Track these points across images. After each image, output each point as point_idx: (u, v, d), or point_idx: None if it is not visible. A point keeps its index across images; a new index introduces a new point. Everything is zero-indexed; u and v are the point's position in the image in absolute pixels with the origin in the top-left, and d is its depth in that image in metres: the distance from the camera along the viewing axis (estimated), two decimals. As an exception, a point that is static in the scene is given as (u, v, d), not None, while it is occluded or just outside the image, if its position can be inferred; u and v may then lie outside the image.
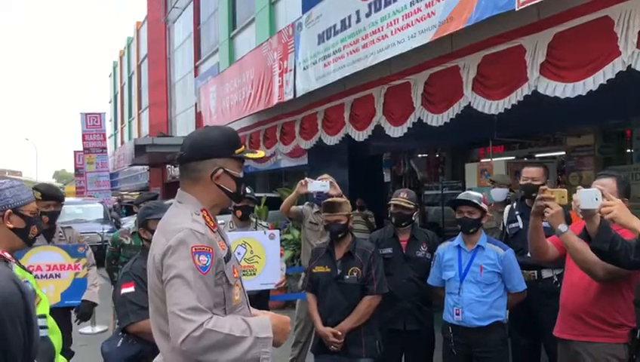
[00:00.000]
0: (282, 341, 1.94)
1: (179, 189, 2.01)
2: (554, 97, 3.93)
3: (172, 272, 1.75)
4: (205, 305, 1.74)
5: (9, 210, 2.24)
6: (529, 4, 3.71)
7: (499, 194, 5.33)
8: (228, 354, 1.73)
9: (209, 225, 1.90)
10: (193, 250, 1.76)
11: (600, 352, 2.78)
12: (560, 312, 3.03)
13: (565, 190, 2.91)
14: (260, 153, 2.17)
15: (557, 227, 2.77)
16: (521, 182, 4.19)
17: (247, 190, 4.50)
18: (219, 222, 2.09)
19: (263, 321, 1.85)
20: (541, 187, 2.93)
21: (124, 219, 16.64)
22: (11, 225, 2.25)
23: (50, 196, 4.00)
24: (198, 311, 1.70)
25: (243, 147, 2.01)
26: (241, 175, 1.99)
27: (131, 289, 2.86)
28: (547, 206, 2.78)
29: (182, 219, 1.85)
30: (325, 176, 4.31)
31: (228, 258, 1.92)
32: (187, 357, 1.75)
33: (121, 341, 2.86)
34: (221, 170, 1.93)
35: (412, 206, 3.90)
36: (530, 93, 4.05)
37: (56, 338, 2.13)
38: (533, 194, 3.36)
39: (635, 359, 2.76)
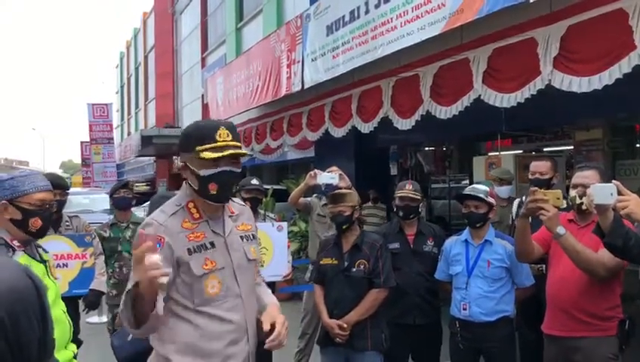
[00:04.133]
0: (150, 285, 1.66)
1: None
2: (563, 91, 3.89)
3: None
4: None
5: (4, 201, 2.25)
6: (541, -4, 3.67)
7: (503, 191, 5.28)
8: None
9: (192, 216, 1.97)
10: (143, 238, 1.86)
11: (592, 347, 2.81)
12: (548, 309, 3.03)
13: (560, 191, 2.88)
14: (225, 152, 1.91)
15: (555, 230, 2.74)
16: (530, 177, 4.15)
17: (255, 181, 4.49)
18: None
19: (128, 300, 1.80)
20: (531, 188, 2.88)
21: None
22: (8, 216, 2.26)
23: (56, 185, 4.00)
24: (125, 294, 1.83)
25: (212, 144, 1.91)
26: (202, 173, 1.93)
27: None
28: (542, 208, 2.74)
29: (156, 210, 2.00)
30: (334, 168, 4.29)
31: (199, 249, 1.94)
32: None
33: (131, 334, 2.85)
34: (183, 165, 1.99)
35: (418, 197, 3.89)
36: (544, 87, 4.01)
37: (61, 329, 2.12)
38: (542, 189, 3.33)
39: (624, 349, 2.84)
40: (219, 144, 1.92)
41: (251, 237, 2.15)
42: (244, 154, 2.01)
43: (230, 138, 1.96)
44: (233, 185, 2.02)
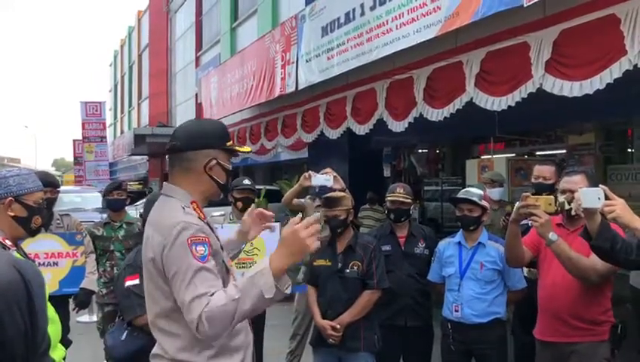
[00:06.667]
0: (305, 248, 1.77)
1: (165, 183, 2.05)
2: (555, 95, 3.90)
3: (174, 268, 1.79)
4: (209, 290, 1.75)
5: (10, 198, 2.23)
6: (536, 0, 3.68)
7: (495, 193, 5.29)
8: (240, 312, 1.72)
9: (199, 216, 1.94)
10: (189, 242, 1.80)
11: (586, 352, 2.83)
12: (540, 314, 3.04)
13: (552, 197, 2.88)
14: (247, 148, 2.28)
15: (547, 236, 2.75)
16: (533, 181, 4.12)
17: (247, 181, 4.48)
18: (219, 213, 2.13)
19: (261, 268, 1.76)
20: (523, 194, 2.89)
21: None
22: (12, 214, 2.24)
23: (47, 183, 3.98)
24: (199, 298, 1.74)
25: (232, 141, 2.08)
26: (230, 167, 2.04)
27: (136, 281, 2.83)
28: (533, 214, 2.74)
29: (174, 213, 1.88)
30: (328, 170, 4.29)
31: (221, 247, 1.99)
32: (207, 342, 1.81)
33: (125, 333, 2.83)
34: (214, 161, 1.97)
35: (409, 200, 3.92)
36: (534, 91, 4.02)
37: (55, 329, 2.11)
38: (544, 194, 3.34)
39: (616, 354, 2.86)
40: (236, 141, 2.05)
41: None
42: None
43: None
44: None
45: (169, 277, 1.81)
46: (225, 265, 1.94)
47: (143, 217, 3.22)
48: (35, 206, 2.30)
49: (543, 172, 4.05)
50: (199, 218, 1.92)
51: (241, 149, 2.13)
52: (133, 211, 8.09)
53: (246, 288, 1.72)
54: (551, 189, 3.86)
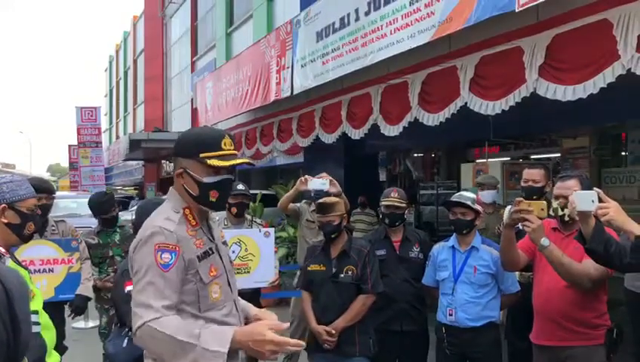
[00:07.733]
0: (260, 353, 1.80)
1: (171, 186, 2.06)
2: (550, 99, 3.93)
3: (135, 268, 1.84)
4: (161, 303, 1.78)
5: (4, 205, 2.23)
6: (529, 6, 3.70)
7: (486, 196, 5.31)
8: (172, 356, 1.75)
9: (190, 223, 1.93)
10: (156, 247, 1.82)
11: (582, 356, 2.84)
12: (536, 318, 3.05)
13: (544, 202, 2.89)
14: (233, 161, 1.95)
15: (539, 242, 2.76)
16: (523, 184, 4.14)
17: (242, 186, 4.48)
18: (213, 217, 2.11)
19: (223, 333, 1.79)
20: (516, 199, 2.89)
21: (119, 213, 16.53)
22: (5, 220, 2.24)
23: (42, 189, 3.97)
24: (147, 308, 1.76)
25: (218, 152, 1.91)
26: (205, 180, 1.92)
27: None
28: (525, 219, 2.75)
29: (157, 217, 1.92)
30: (324, 174, 4.30)
31: (204, 256, 1.94)
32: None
33: (126, 340, 2.81)
34: (181, 170, 1.95)
35: (404, 204, 3.92)
36: (528, 95, 4.04)
37: (50, 335, 2.11)
38: (534, 197, 3.35)
39: (612, 358, 2.86)
40: (225, 153, 1.93)
41: (226, 243, 2.22)
42: (250, 163, 2.10)
43: (233, 147, 1.98)
44: (230, 193, 2.07)
45: (132, 277, 1.85)
46: (200, 276, 1.89)
47: (135, 224, 3.21)
48: (28, 213, 2.31)
49: (532, 175, 4.07)
50: (189, 224, 1.92)
51: (219, 163, 1.90)
52: (128, 216, 8.08)
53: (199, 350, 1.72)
54: (541, 192, 3.86)
